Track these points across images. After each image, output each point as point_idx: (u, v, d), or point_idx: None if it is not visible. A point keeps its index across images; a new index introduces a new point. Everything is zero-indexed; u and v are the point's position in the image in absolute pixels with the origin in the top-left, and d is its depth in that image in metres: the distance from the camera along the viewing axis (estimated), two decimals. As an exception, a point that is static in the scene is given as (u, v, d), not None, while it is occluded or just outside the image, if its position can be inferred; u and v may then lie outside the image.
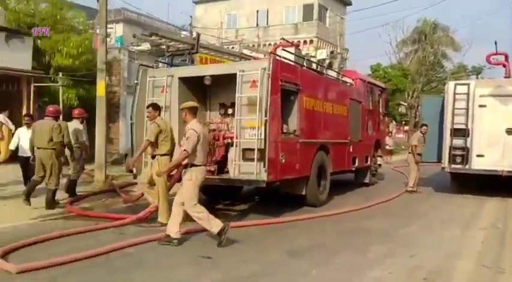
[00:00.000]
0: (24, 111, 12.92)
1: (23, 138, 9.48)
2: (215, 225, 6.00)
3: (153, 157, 7.05)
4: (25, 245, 5.65)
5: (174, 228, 5.99)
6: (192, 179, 5.98)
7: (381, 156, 13.87)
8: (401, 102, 39.57)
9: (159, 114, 7.14)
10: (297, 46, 10.51)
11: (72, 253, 5.26)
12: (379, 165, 13.67)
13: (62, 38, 15.60)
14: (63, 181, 9.24)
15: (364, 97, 12.15)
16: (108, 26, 14.74)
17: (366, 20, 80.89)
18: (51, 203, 8.25)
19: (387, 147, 20.78)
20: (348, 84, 11.55)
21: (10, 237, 5.97)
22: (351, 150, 10.94)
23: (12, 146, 9.69)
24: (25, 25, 15.51)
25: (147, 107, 7.28)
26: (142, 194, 8.10)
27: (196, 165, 6.03)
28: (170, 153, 6.96)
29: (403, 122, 39.75)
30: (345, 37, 36.88)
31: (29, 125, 9.65)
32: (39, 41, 15.28)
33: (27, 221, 7.31)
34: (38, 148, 8.14)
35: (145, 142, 6.94)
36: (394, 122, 36.82)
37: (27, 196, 8.17)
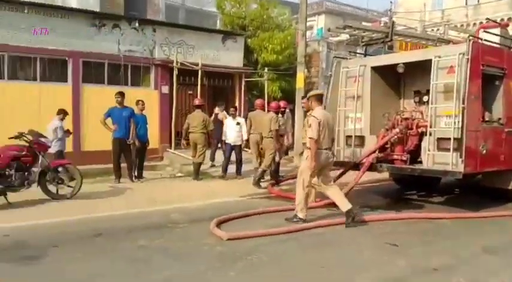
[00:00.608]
0: (236, 104, 14.68)
1: (228, 127, 10.90)
2: (303, 209, 6.43)
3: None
4: (235, 218, 6.65)
5: (344, 205, 6.34)
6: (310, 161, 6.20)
7: None
8: None
9: None
10: (505, 26, 9.42)
11: (271, 228, 6.02)
12: None
13: (267, 36, 17.07)
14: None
15: None
16: (311, 18, 15.54)
17: None
18: (258, 183, 9.43)
19: None
20: None
21: (223, 210, 7.05)
22: None
23: (224, 136, 11.19)
24: (237, 26, 17.42)
25: (302, 97, 7.49)
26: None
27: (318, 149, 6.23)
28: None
29: None
30: None
31: (233, 115, 11.07)
32: (249, 40, 17.05)
33: (237, 198, 8.51)
34: (263, 137, 9.47)
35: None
36: None
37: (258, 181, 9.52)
